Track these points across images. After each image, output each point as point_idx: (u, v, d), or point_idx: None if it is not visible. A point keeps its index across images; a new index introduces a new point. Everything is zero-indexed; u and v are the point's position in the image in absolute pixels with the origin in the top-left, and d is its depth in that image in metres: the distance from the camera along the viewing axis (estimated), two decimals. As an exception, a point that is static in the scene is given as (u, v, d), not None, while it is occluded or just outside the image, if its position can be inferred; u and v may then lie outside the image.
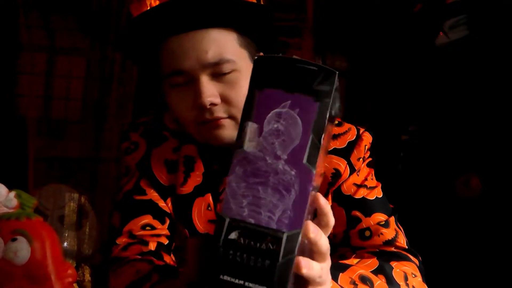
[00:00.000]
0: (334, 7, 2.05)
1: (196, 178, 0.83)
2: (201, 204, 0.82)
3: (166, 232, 0.82)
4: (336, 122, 0.87)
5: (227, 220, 0.44)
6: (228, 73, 0.76)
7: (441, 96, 1.84)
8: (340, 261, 0.72)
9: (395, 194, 0.99)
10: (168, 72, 0.78)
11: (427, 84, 1.88)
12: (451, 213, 1.73)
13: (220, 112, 0.76)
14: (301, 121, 0.43)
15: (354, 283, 0.67)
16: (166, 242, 0.82)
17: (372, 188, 0.84)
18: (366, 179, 0.84)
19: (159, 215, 0.82)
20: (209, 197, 0.82)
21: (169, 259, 0.80)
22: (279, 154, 0.43)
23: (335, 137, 0.84)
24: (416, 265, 0.79)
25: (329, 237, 0.50)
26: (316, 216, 0.49)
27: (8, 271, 0.56)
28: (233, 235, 0.43)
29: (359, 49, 2.02)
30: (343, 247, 0.82)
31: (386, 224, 0.81)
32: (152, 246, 0.80)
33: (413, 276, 0.76)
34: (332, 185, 0.83)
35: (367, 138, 0.86)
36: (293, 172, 0.43)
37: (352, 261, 0.74)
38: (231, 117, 0.77)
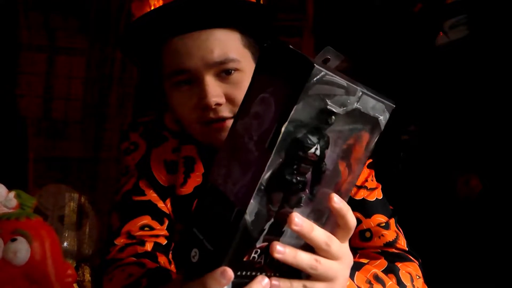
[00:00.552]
0: (334, 7, 2.04)
1: (196, 179, 0.83)
2: (201, 204, 0.82)
3: (164, 232, 0.82)
4: None
5: (209, 184, 0.49)
6: (232, 73, 0.76)
7: (441, 96, 1.84)
8: (354, 260, 0.73)
9: (395, 195, 0.99)
10: (171, 71, 0.77)
11: (427, 84, 1.88)
12: (451, 213, 1.73)
13: (224, 112, 0.76)
14: (275, 108, 0.45)
15: (369, 282, 0.67)
16: (164, 242, 0.81)
17: (372, 189, 0.84)
18: (366, 180, 0.84)
19: (158, 215, 0.82)
20: (209, 198, 0.82)
21: (164, 259, 0.79)
22: (253, 135, 0.46)
23: None
24: (417, 266, 0.79)
25: None
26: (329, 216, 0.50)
27: (8, 272, 0.56)
28: (208, 198, 0.49)
29: (359, 49, 2.02)
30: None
31: (387, 226, 0.81)
32: (149, 246, 0.79)
33: (417, 277, 0.76)
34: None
35: (367, 139, 0.86)
36: (256, 154, 0.45)
37: (363, 260, 0.75)
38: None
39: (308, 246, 0.49)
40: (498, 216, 1.62)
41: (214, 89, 0.75)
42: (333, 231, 0.50)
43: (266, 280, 0.48)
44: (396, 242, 0.80)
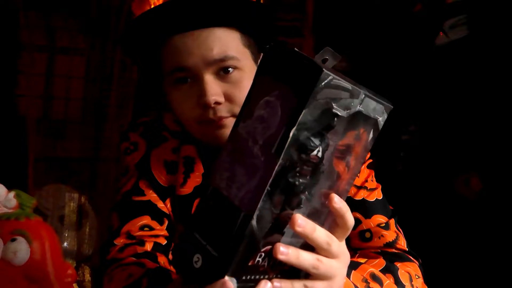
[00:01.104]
0: (334, 7, 2.04)
1: (195, 179, 0.83)
2: (201, 204, 0.82)
3: (164, 232, 0.82)
4: None
5: (210, 187, 0.49)
6: (232, 72, 0.76)
7: (441, 96, 1.84)
8: (351, 259, 0.73)
9: (395, 195, 0.99)
10: (171, 69, 0.78)
11: (427, 84, 1.88)
12: (451, 213, 1.73)
13: (223, 111, 0.76)
14: (281, 112, 0.44)
15: (366, 281, 0.67)
16: (164, 242, 0.81)
17: (372, 189, 0.84)
18: (366, 181, 0.84)
19: (158, 215, 0.82)
20: (209, 198, 0.82)
21: (164, 259, 0.79)
22: (257, 139, 0.45)
23: None
24: (417, 266, 0.79)
25: None
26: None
27: (8, 272, 0.56)
28: (210, 201, 0.48)
29: (359, 49, 2.02)
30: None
31: (387, 226, 0.81)
32: (149, 246, 0.79)
33: (417, 277, 0.76)
34: (331, 186, 0.83)
35: (367, 139, 0.86)
36: (262, 158, 0.45)
37: (360, 259, 0.75)
38: (234, 116, 0.77)
39: (307, 246, 0.49)
40: (498, 216, 1.62)
41: (214, 88, 0.75)
42: (331, 230, 0.50)
43: (269, 284, 0.48)
44: (396, 242, 0.80)
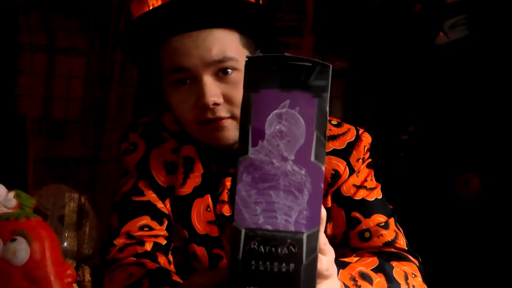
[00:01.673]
0: (334, 7, 2.04)
1: (195, 179, 0.83)
2: (200, 205, 0.82)
3: (164, 233, 0.82)
4: (336, 122, 0.87)
5: (243, 230, 0.43)
6: (231, 73, 0.76)
7: (441, 96, 1.84)
8: (340, 259, 0.73)
9: (395, 194, 0.99)
10: (170, 70, 0.78)
11: (427, 84, 1.88)
12: (451, 213, 1.73)
13: (222, 112, 0.77)
14: (303, 119, 0.42)
15: (354, 279, 0.67)
16: (163, 242, 0.81)
17: (372, 189, 0.84)
18: (365, 180, 0.84)
19: (157, 216, 0.82)
20: (208, 198, 0.82)
21: (164, 259, 0.79)
22: (286, 156, 0.43)
23: (335, 138, 0.84)
24: (416, 265, 0.79)
25: (328, 238, 0.50)
26: None
27: (7, 272, 0.56)
28: (252, 245, 0.42)
29: (359, 49, 2.02)
30: (343, 248, 0.82)
31: (386, 226, 0.81)
32: (148, 246, 0.79)
33: (413, 276, 0.76)
34: (331, 186, 0.83)
35: (367, 139, 0.86)
36: (303, 172, 0.42)
37: (352, 259, 0.75)
38: (233, 117, 0.77)
39: None
40: (498, 216, 1.62)
41: (212, 89, 0.75)
42: None
43: None
44: (395, 241, 0.80)
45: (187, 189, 0.83)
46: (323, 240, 0.48)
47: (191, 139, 0.84)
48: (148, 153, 0.85)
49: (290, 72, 0.43)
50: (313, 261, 0.42)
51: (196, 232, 0.82)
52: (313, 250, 0.42)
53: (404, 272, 0.75)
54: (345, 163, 0.83)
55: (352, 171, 0.83)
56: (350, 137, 0.85)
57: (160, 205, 0.83)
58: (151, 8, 0.78)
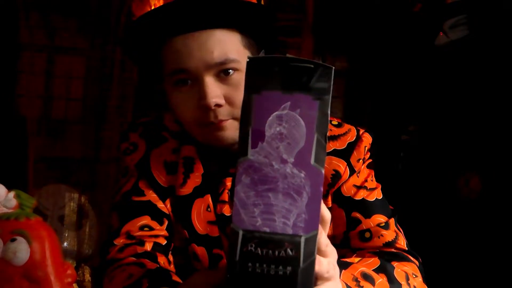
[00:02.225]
0: (334, 7, 2.05)
1: (195, 179, 0.83)
2: (201, 205, 0.82)
3: (164, 233, 0.82)
4: (336, 122, 0.87)
5: (241, 232, 0.42)
6: (232, 74, 0.76)
7: (441, 96, 1.84)
8: (342, 259, 0.72)
9: (395, 195, 0.99)
10: (171, 71, 0.77)
11: (427, 84, 1.88)
12: (451, 213, 1.73)
13: (223, 114, 0.76)
14: (304, 121, 0.42)
15: (356, 280, 0.67)
16: (164, 242, 0.81)
17: (372, 189, 0.84)
18: (366, 181, 0.84)
19: (158, 216, 0.82)
20: (209, 198, 0.82)
21: (164, 259, 0.79)
22: (285, 158, 0.42)
23: (335, 138, 0.84)
24: (416, 265, 0.79)
25: (329, 239, 0.50)
26: None
27: (7, 272, 0.56)
28: (249, 247, 0.42)
29: (359, 49, 2.02)
30: (343, 248, 0.82)
31: (386, 226, 0.81)
32: (148, 246, 0.79)
33: (414, 276, 0.76)
34: (332, 186, 0.83)
35: (367, 139, 0.86)
36: (302, 175, 0.42)
37: (354, 259, 0.75)
38: (233, 118, 0.77)
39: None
40: (498, 215, 1.62)
41: (214, 90, 0.75)
42: None
43: None
44: (396, 242, 0.80)
45: (187, 189, 0.83)
46: (325, 242, 0.47)
47: (191, 139, 0.83)
48: (149, 153, 0.85)
49: (292, 73, 0.42)
50: (311, 265, 0.42)
51: (196, 232, 0.82)
52: (311, 254, 0.42)
53: (405, 272, 0.75)
54: (346, 163, 0.83)
55: (352, 171, 0.83)
56: (351, 137, 0.85)
57: (160, 205, 0.83)
58: (152, 8, 0.78)
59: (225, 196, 0.82)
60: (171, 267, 0.81)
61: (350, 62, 2.09)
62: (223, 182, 0.83)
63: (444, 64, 1.83)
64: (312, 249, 0.42)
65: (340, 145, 0.84)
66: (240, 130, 0.43)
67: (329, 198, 0.83)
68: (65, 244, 1.87)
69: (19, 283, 0.56)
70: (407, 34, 1.93)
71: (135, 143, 0.87)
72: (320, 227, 0.46)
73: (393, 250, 0.80)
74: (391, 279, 0.72)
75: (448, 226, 1.71)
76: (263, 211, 0.42)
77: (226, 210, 0.82)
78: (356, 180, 0.83)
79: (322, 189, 0.42)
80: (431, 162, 1.85)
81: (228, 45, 0.76)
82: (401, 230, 0.84)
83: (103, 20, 1.91)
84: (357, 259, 0.75)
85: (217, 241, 0.82)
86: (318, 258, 0.45)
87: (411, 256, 0.80)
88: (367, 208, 0.82)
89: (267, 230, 0.42)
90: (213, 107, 0.75)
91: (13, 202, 0.61)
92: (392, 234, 0.81)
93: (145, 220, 0.81)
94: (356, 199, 0.83)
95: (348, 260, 0.73)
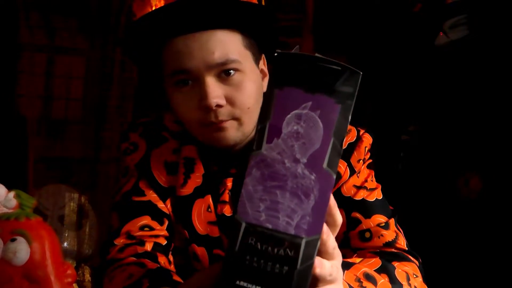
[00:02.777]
0: (334, 7, 2.05)
1: (196, 180, 0.83)
2: (201, 205, 0.82)
3: (164, 233, 0.82)
4: None
5: (243, 224, 0.42)
6: (233, 74, 0.76)
7: (441, 96, 1.84)
8: (344, 259, 0.72)
9: (395, 195, 0.99)
10: (172, 71, 0.77)
11: (427, 84, 1.88)
12: (451, 213, 1.73)
13: (224, 115, 0.76)
14: (322, 123, 0.41)
15: (359, 280, 0.67)
16: (164, 242, 0.81)
17: (372, 189, 0.84)
18: (366, 181, 0.84)
19: (158, 216, 0.82)
20: (209, 199, 0.82)
21: (164, 259, 0.79)
22: (298, 158, 0.42)
23: None
24: (417, 265, 0.79)
25: None
26: None
27: (7, 272, 0.56)
28: (249, 240, 0.42)
29: (359, 49, 2.02)
30: (343, 248, 0.82)
31: (386, 226, 0.81)
32: (149, 246, 0.79)
33: (415, 276, 0.76)
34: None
35: (367, 140, 0.86)
36: (312, 177, 0.41)
37: (355, 259, 0.75)
38: (234, 118, 0.77)
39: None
40: (498, 215, 1.62)
41: (215, 90, 0.75)
42: None
43: None
44: (396, 242, 0.80)
45: (188, 190, 0.83)
46: (332, 244, 0.47)
47: (192, 139, 0.83)
48: (149, 153, 0.85)
49: (317, 73, 0.42)
50: (308, 268, 0.41)
51: (196, 232, 0.82)
52: (310, 257, 0.41)
53: (406, 272, 0.75)
54: (346, 163, 0.83)
55: (352, 171, 0.83)
56: (351, 137, 0.85)
57: (160, 205, 0.83)
58: (153, 8, 0.78)
59: (226, 197, 0.82)
60: (172, 267, 0.81)
61: (350, 62, 2.08)
62: (223, 183, 0.83)
63: (444, 64, 1.83)
64: (311, 253, 0.41)
65: (340, 145, 0.84)
66: (258, 123, 0.43)
67: (329, 198, 0.83)
68: (65, 244, 1.87)
69: (19, 283, 0.56)
70: (407, 34, 1.93)
71: (135, 143, 0.87)
72: (329, 229, 0.45)
73: (393, 250, 0.80)
74: (393, 279, 0.72)
75: (448, 226, 1.71)
76: (268, 207, 0.42)
77: (227, 211, 0.82)
78: (356, 180, 0.84)
79: (331, 194, 0.41)
80: (431, 162, 1.85)
81: (229, 46, 0.76)
82: (401, 230, 0.84)
83: (103, 20, 1.91)
84: (358, 260, 0.75)
85: (218, 242, 0.82)
86: (321, 261, 0.45)
87: (411, 256, 0.80)
88: (367, 208, 0.82)
89: (270, 226, 0.42)
90: (214, 108, 0.75)
91: (13, 202, 0.61)
92: (392, 234, 0.81)
93: (146, 220, 0.81)
94: (356, 199, 0.83)
95: (349, 260, 0.73)
